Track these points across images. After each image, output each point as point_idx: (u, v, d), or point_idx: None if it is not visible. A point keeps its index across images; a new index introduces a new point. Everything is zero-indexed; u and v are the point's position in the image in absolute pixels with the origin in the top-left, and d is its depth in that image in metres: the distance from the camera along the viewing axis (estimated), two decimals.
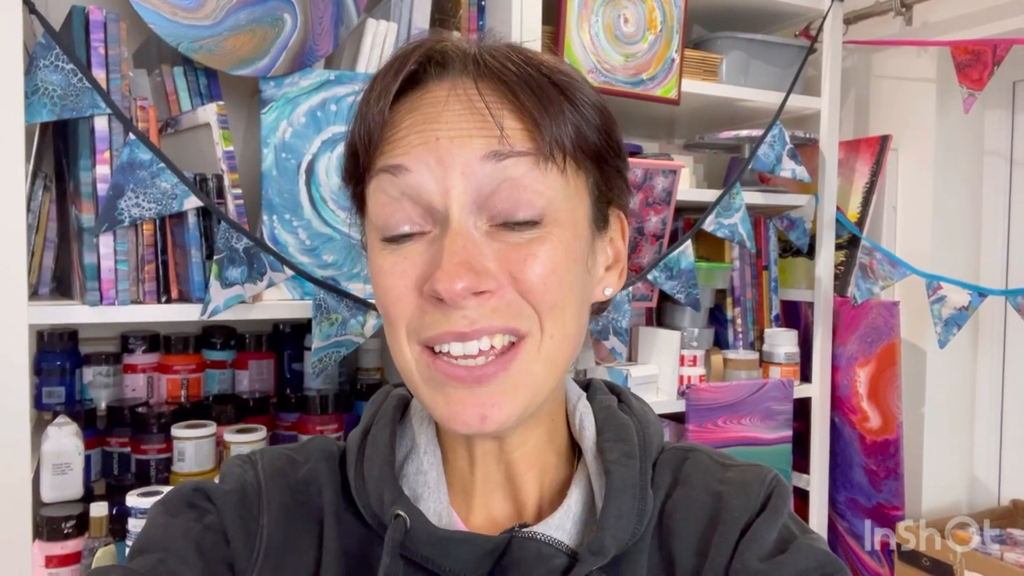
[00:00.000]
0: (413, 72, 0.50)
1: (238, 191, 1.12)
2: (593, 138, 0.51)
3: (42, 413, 1.26)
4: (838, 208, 1.69)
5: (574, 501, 0.53)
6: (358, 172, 0.52)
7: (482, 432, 0.49)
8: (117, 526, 1.09)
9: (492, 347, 0.48)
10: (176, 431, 1.21)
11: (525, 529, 0.51)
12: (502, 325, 0.48)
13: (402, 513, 0.50)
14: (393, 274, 0.49)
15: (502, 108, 0.48)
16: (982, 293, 1.55)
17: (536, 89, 0.49)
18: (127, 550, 1.03)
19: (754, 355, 1.61)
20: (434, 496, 0.54)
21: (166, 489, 1.07)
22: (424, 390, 0.50)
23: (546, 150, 0.48)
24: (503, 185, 0.48)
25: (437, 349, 0.49)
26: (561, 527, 0.52)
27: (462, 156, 0.47)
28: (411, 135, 0.49)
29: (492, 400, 0.48)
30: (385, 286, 0.50)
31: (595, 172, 0.53)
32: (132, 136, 1.02)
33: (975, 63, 1.51)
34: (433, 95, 0.50)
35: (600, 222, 0.54)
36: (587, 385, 0.61)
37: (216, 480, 0.57)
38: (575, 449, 0.57)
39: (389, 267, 0.49)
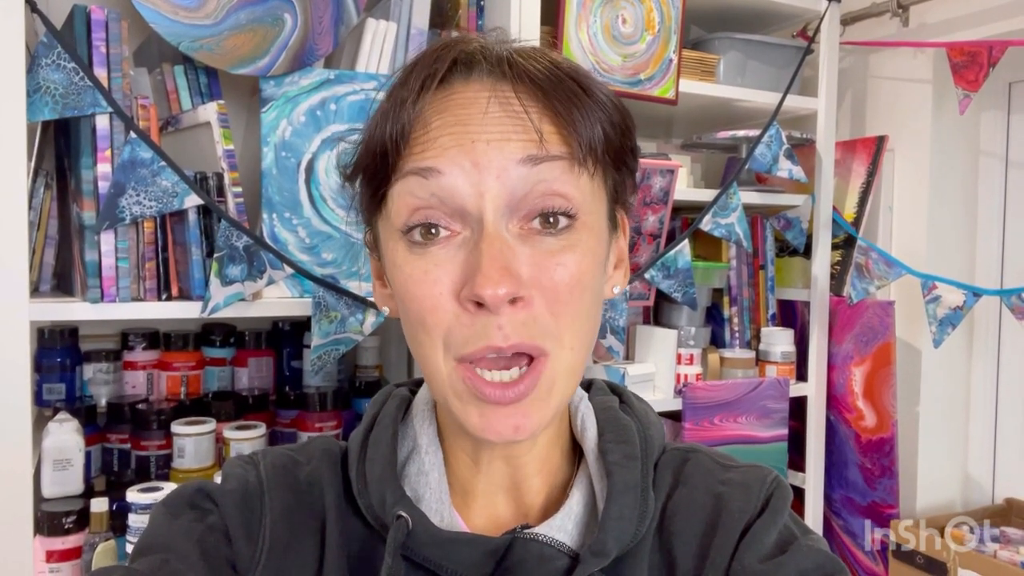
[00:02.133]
0: (436, 72, 0.49)
1: (238, 189, 1.13)
2: (617, 140, 0.51)
3: (42, 410, 1.27)
4: (834, 208, 1.70)
5: (575, 502, 0.53)
6: (383, 173, 0.50)
7: (515, 440, 0.48)
8: (117, 522, 1.10)
9: (524, 369, 0.48)
10: (176, 428, 1.22)
11: (527, 530, 0.51)
12: (531, 343, 0.48)
13: (404, 514, 0.50)
14: (426, 282, 0.48)
15: (540, 112, 0.48)
16: (977, 293, 1.56)
17: (569, 92, 0.48)
18: (127, 545, 1.04)
19: (750, 354, 1.62)
20: (436, 497, 0.54)
21: (166, 485, 1.08)
22: (456, 402, 0.49)
23: (580, 154, 0.48)
24: (536, 188, 0.48)
25: (478, 371, 0.48)
26: (563, 528, 0.52)
27: (498, 159, 0.47)
28: (443, 136, 0.48)
29: (523, 412, 0.48)
30: (419, 295, 0.48)
31: (614, 173, 0.53)
32: (133, 134, 1.03)
33: (971, 64, 1.52)
34: (463, 96, 0.49)
35: (613, 222, 0.54)
36: (588, 385, 0.61)
37: (218, 480, 0.57)
38: (576, 449, 0.57)
39: (420, 275, 0.48)
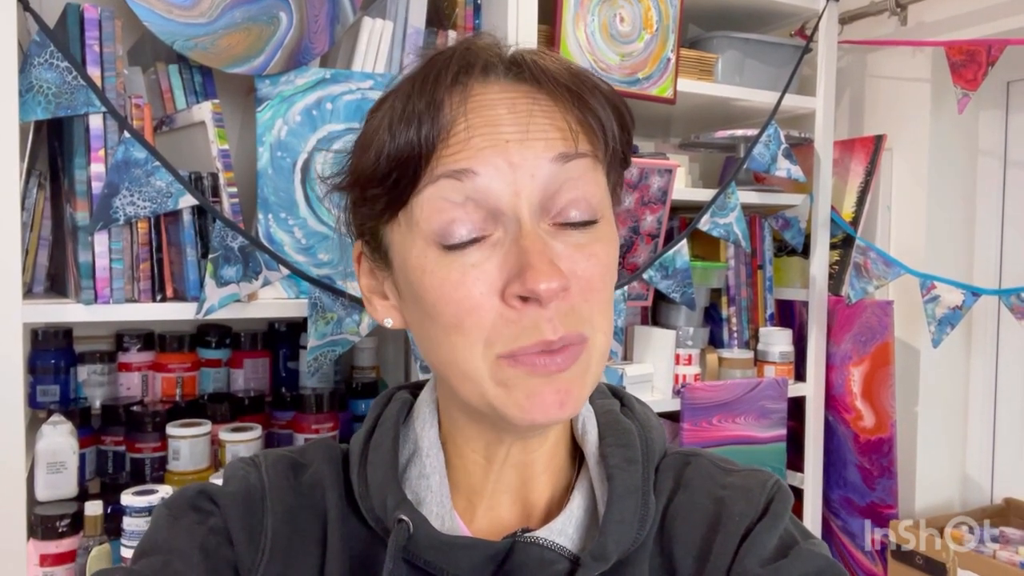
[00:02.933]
0: (456, 74, 0.49)
1: (233, 189, 1.12)
2: (623, 140, 0.53)
3: (36, 412, 1.26)
4: (833, 207, 1.69)
5: (576, 506, 0.53)
6: (408, 179, 0.49)
7: (559, 418, 0.49)
8: (112, 525, 1.09)
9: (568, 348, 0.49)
10: (171, 430, 1.21)
11: (528, 534, 0.51)
12: (574, 332, 0.48)
13: (405, 518, 0.50)
14: (464, 284, 0.47)
15: (564, 111, 0.49)
16: (975, 292, 1.56)
17: (589, 91, 0.50)
18: (122, 549, 1.04)
19: (749, 354, 1.62)
20: (437, 500, 0.54)
21: (161, 488, 1.07)
22: (497, 391, 0.49)
23: (601, 153, 0.50)
24: (565, 185, 0.49)
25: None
26: (563, 532, 0.52)
27: (532, 158, 0.48)
28: (475, 138, 0.48)
29: (567, 387, 0.48)
30: (457, 297, 0.48)
31: (617, 170, 0.54)
32: (127, 134, 1.02)
33: (969, 63, 1.51)
34: (485, 97, 0.49)
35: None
36: None
37: (219, 482, 0.57)
38: (577, 452, 0.57)
39: (458, 277, 0.48)
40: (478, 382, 0.49)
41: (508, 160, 0.47)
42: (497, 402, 0.49)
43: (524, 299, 0.47)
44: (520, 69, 0.50)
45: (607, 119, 0.50)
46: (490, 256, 0.48)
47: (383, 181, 0.50)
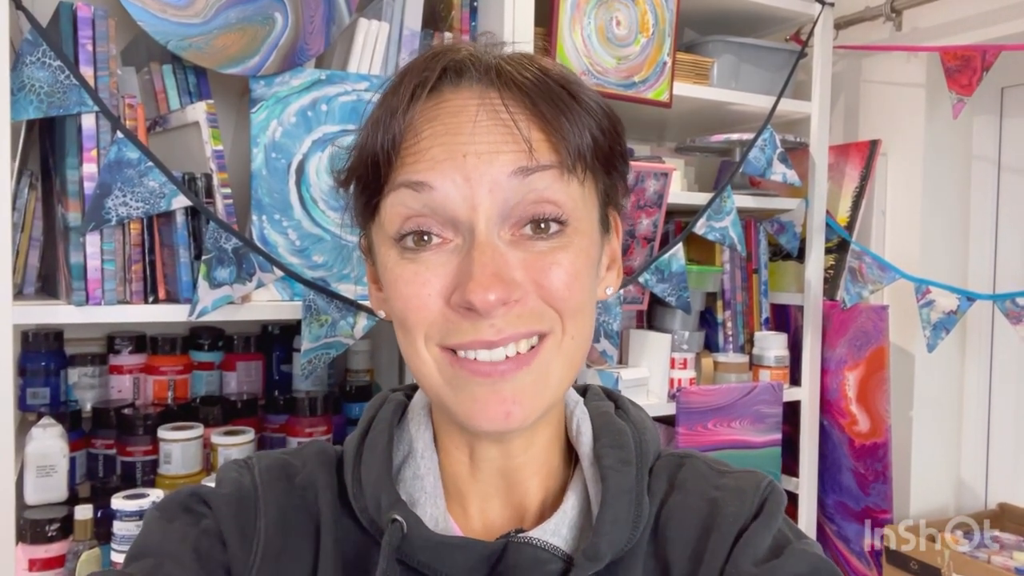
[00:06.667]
0: (426, 80, 0.50)
1: (227, 191, 1.11)
2: (606, 145, 0.52)
3: (26, 414, 1.25)
4: (828, 212, 1.69)
5: (570, 506, 0.53)
6: (376, 183, 0.51)
7: (506, 429, 0.49)
8: (102, 529, 1.08)
9: (518, 352, 0.49)
10: (162, 433, 1.20)
11: (521, 534, 0.51)
12: (527, 330, 0.49)
13: (399, 518, 0.51)
14: (415, 283, 0.49)
15: (528, 121, 0.49)
16: (970, 297, 1.56)
17: (557, 100, 0.49)
18: (112, 553, 1.02)
19: (744, 358, 1.61)
20: (431, 501, 0.54)
21: (152, 492, 1.06)
22: (447, 391, 0.50)
23: (569, 162, 0.49)
24: (528, 196, 0.49)
25: (461, 354, 0.49)
26: (557, 532, 0.52)
27: (490, 173, 0.48)
28: (434, 147, 0.48)
29: (515, 396, 0.49)
30: (406, 295, 0.49)
31: (604, 177, 0.54)
32: (120, 134, 1.01)
33: (964, 69, 1.52)
34: (452, 104, 0.49)
35: (605, 224, 0.55)
36: (584, 390, 0.61)
37: (212, 484, 0.57)
38: (572, 454, 0.57)
39: (410, 276, 0.49)
40: (431, 378, 0.51)
41: (465, 175, 0.48)
42: (449, 401, 0.50)
43: (468, 309, 0.47)
44: (492, 76, 0.50)
45: (576, 128, 0.49)
46: (447, 261, 0.49)
47: (359, 181, 0.52)
